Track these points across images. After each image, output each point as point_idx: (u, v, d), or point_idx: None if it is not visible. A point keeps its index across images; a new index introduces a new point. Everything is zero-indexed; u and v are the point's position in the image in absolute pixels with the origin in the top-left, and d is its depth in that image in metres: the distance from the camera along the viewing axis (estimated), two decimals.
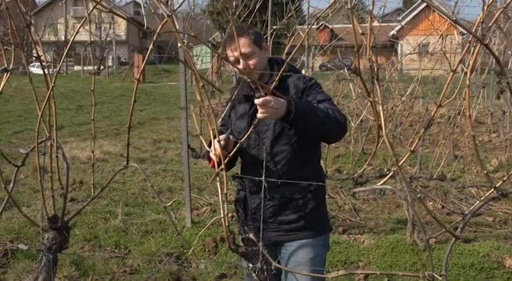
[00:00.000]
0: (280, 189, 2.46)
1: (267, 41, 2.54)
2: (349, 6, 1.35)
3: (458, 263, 4.40)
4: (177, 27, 1.60)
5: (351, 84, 6.79)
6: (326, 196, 2.72)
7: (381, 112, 1.43)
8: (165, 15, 1.51)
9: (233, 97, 2.61)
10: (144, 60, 2.00)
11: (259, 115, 2.15)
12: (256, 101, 2.13)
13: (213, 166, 2.29)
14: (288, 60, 2.40)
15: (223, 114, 2.69)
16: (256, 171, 2.44)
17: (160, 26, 1.63)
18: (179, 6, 1.61)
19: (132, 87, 1.85)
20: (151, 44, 1.72)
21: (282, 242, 2.54)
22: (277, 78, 2.04)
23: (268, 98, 2.11)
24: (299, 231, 2.49)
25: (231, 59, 2.45)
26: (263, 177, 2.28)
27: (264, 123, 2.46)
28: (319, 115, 2.25)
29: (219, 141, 1.98)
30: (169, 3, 1.54)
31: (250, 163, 2.55)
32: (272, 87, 2.06)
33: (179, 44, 1.69)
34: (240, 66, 2.40)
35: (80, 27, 2.00)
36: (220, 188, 1.79)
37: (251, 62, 2.42)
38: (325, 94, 2.47)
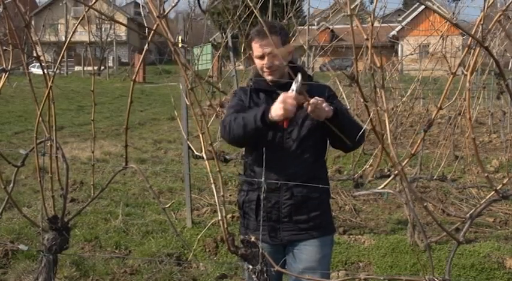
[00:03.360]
0: (300, 188, 2.49)
1: None
2: (349, 12, 1.34)
3: (458, 263, 4.39)
4: (169, 28, 1.59)
5: (342, 90, 6.71)
6: None
7: (387, 121, 1.42)
8: (156, 17, 1.51)
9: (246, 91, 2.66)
10: (140, 61, 2.00)
11: (310, 111, 2.29)
12: (313, 100, 2.26)
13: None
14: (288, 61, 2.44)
15: (233, 104, 2.64)
16: (279, 169, 2.49)
17: (154, 28, 1.63)
18: (170, 10, 1.61)
19: (133, 88, 1.84)
20: (146, 46, 1.72)
21: (294, 241, 2.55)
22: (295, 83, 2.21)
23: (321, 99, 2.29)
24: (312, 230, 2.53)
25: (257, 54, 2.50)
26: (262, 178, 2.27)
27: (290, 123, 2.51)
28: (354, 121, 2.47)
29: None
30: (159, 5, 1.54)
31: (272, 161, 2.39)
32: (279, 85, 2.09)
33: (180, 45, 1.69)
34: (266, 62, 2.47)
35: (76, 27, 1.99)
36: (217, 190, 1.79)
37: (276, 62, 2.47)
38: (341, 105, 2.60)
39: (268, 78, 2.50)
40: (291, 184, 2.47)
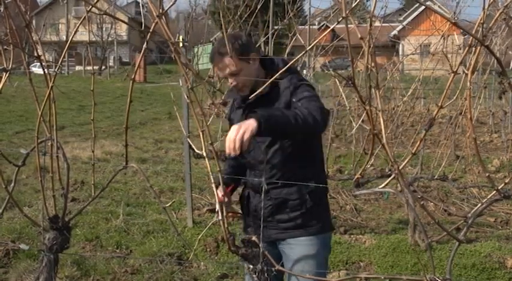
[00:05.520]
0: (278, 190, 2.52)
1: (259, 47, 2.53)
2: (344, 14, 1.35)
3: (459, 263, 4.39)
4: (168, 28, 1.59)
5: (342, 90, 6.68)
6: (328, 196, 2.75)
7: (381, 120, 1.42)
8: (156, 17, 1.52)
9: (231, 101, 2.69)
10: (138, 61, 1.99)
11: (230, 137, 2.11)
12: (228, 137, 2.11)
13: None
14: (290, 61, 2.39)
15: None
16: (255, 172, 2.58)
17: (153, 27, 1.63)
18: (168, 8, 1.61)
19: (134, 88, 1.84)
20: (145, 45, 1.72)
21: (280, 240, 2.58)
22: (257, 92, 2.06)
23: (232, 129, 2.07)
24: (296, 229, 2.53)
25: (220, 75, 2.50)
26: (267, 178, 2.30)
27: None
28: (289, 120, 2.16)
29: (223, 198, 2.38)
30: (159, 4, 1.54)
31: (249, 165, 2.64)
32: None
33: (181, 44, 1.69)
34: (230, 83, 2.46)
35: (77, 27, 1.99)
36: (216, 191, 1.79)
37: (240, 79, 2.44)
38: (308, 92, 2.41)
39: (241, 94, 2.52)
40: (270, 186, 2.48)
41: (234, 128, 2.07)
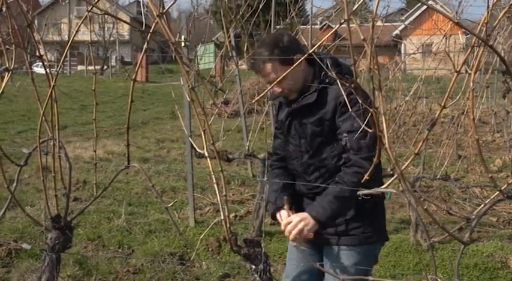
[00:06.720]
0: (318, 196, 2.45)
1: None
2: (346, 17, 1.35)
3: (461, 263, 4.38)
4: (169, 27, 1.60)
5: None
6: (382, 206, 2.63)
7: (383, 120, 1.42)
8: (156, 16, 1.52)
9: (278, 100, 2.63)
10: (140, 60, 1.99)
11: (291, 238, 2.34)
12: (282, 226, 2.32)
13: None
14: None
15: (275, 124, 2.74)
16: (301, 180, 2.54)
17: (153, 27, 1.63)
18: (169, 7, 1.61)
19: (136, 87, 1.85)
20: (146, 44, 1.73)
21: (324, 245, 2.52)
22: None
23: (287, 220, 2.32)
24: (339, 236, 2.45)
25: (263, 81, 2.49)
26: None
27: (302, 135, 2.46)
28: (345, 197, 2.27)
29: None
30: (159, 4, 1.54)
31: (296, 172, 2.59)
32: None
33: (182, 44, 1.69)
34: (275, 91, 2.38)
35: (79, 26, 2.00)
36: (219, 189, 1.79)
37: (285, 86, 2.34)
38: (353, 120, 2.22)
39: (288, 98, 2.46)
40: (312, 194, 2.48)
41: (297, 218, 2.27)
